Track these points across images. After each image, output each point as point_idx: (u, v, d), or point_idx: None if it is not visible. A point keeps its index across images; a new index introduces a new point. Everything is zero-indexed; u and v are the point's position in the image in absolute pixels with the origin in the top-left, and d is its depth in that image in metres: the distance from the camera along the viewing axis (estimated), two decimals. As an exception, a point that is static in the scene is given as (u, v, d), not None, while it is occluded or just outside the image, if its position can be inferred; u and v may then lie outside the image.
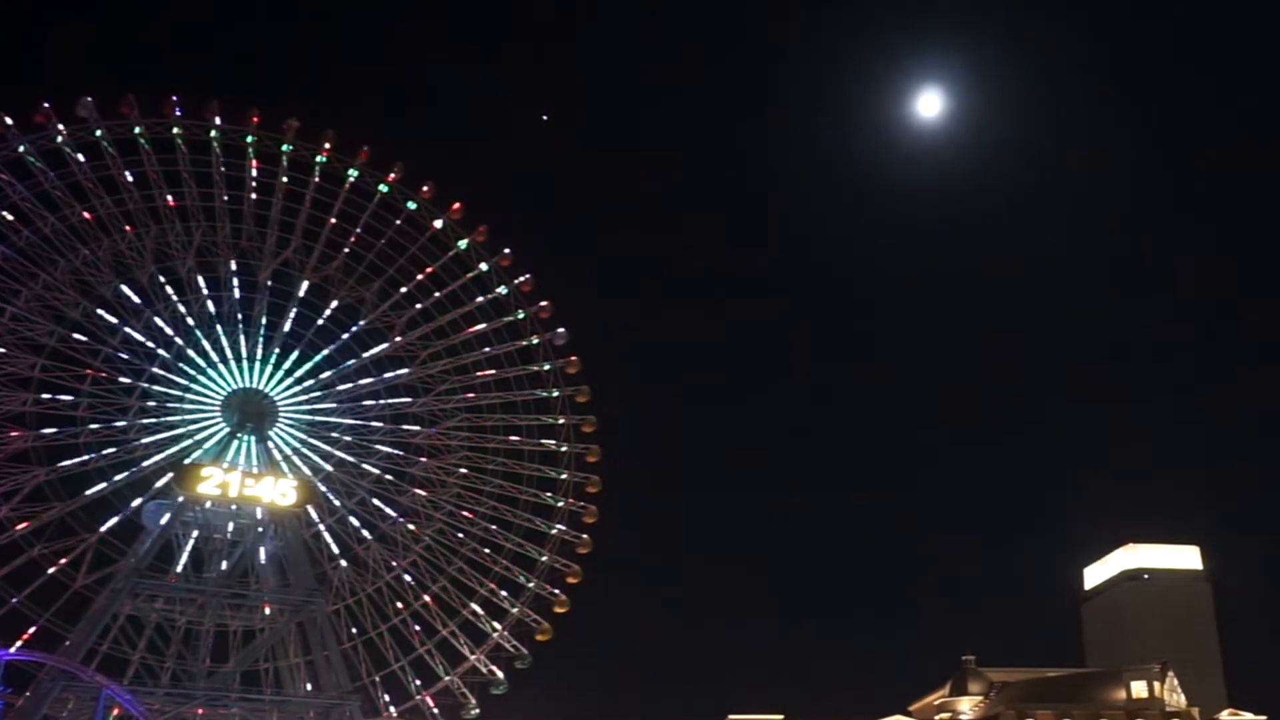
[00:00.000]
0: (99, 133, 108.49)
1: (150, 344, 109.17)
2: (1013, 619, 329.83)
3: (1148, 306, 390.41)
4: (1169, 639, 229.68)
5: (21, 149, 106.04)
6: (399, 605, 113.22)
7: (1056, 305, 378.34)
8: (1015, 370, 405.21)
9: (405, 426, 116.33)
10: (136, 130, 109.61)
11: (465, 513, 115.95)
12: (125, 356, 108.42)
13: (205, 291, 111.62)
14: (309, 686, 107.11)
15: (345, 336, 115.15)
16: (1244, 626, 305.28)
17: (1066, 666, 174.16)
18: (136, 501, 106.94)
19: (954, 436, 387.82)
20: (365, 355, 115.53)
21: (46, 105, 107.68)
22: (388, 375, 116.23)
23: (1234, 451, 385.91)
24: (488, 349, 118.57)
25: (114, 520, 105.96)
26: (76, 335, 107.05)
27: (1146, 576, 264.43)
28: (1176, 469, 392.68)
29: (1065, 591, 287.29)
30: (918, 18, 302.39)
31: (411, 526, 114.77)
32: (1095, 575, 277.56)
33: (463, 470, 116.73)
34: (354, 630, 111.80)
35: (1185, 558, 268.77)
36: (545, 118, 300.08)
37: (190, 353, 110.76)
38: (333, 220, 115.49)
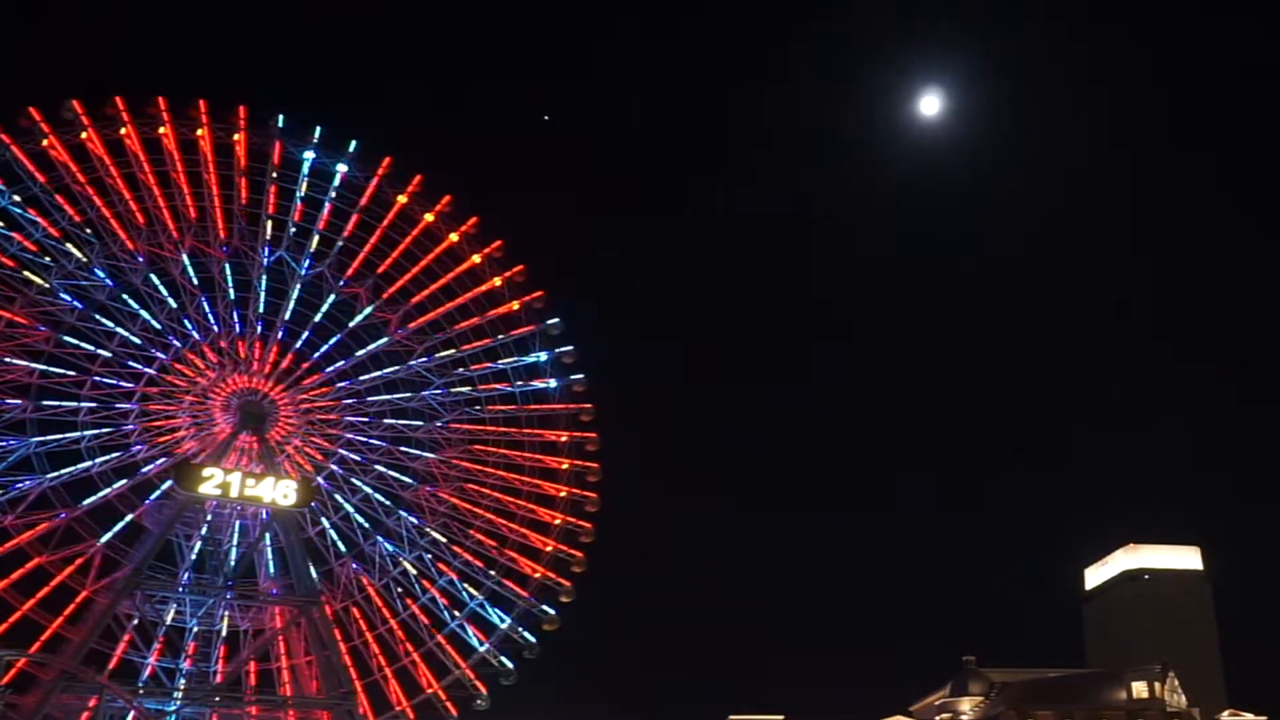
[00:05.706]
0: (85, 135, 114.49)
1: (148, 347, 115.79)
2: (1013, 619, 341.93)
3: (1148, 305, 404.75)
4: (1169, 639, 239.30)
5: (7, 156, 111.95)
6: (407, 600, 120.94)
7: (1057, 304, 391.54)
8: (1015, 370, 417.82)
9: (406, 422, 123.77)
10: (123, 131, 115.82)
11: (468, 505, 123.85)
12: (123, 360, 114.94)
13: (200, 292, 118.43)
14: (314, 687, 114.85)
15: (342, 334, 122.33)
16: (1244, 626, 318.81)
17: (1067, 667, 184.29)
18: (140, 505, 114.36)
19: (953, 436, 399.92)
20: (362, 352, 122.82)
21: (31, 109, 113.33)
22: (385, 371, 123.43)
23: (1234, 452, 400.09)
24: (484, 341, 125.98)
25: (118, 526, 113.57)
26: (73, 340, 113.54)
27: (1147, 577, 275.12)
28: (1176, 469, 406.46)
29: (1065, 592, 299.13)
30: (918, 18, 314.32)
31: (415, 521, 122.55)
32: (1095, 576, 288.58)
33: (463, 464, 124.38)
34: (362, 626, 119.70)
35: (1185, 558, 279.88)
36: (547, 118, 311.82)
37: (188, 354, 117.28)
38: (326, 217, 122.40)
